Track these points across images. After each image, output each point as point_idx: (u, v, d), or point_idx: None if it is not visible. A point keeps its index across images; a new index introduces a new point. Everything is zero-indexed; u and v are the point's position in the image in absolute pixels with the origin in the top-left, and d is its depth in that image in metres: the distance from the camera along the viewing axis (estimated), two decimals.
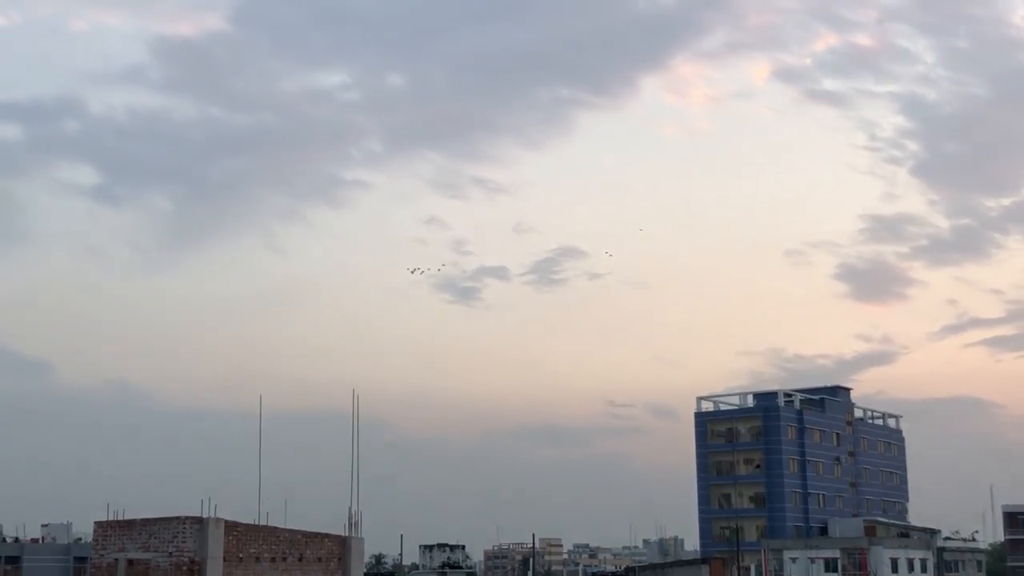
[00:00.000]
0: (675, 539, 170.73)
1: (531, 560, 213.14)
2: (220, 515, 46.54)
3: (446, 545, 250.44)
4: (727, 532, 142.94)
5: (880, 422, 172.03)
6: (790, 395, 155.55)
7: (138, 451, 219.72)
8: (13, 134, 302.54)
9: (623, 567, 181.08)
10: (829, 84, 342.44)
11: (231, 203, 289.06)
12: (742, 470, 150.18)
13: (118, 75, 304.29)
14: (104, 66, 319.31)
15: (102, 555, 48.89)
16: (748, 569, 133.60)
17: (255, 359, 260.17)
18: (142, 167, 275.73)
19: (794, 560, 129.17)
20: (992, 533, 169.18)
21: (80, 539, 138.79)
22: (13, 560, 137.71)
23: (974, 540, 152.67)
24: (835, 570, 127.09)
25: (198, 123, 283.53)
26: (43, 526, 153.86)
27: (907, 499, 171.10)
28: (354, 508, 50.90)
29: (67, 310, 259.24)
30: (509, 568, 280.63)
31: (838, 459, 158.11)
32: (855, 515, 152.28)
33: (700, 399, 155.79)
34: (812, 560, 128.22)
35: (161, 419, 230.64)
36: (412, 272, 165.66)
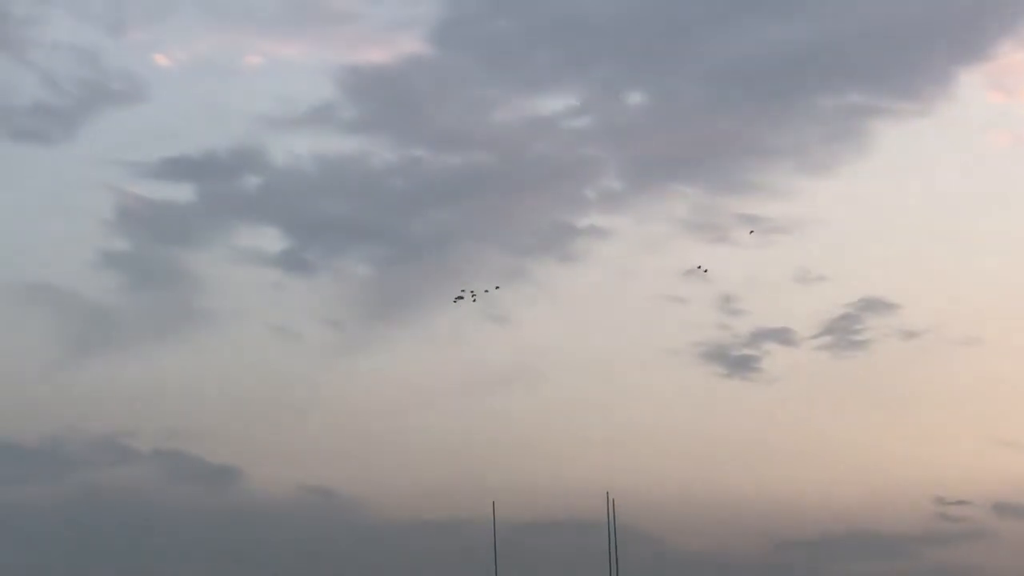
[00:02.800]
0: None
1: None
2: None
3: None
4: None
5: None
6: None
7: (346, 572, 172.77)
8: (186, 195, 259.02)
9: None
10: None
11: (441, 263, 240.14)
12: None
13: (302, 117, 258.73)
14: (286, 107, 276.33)
15: None
16: None
17: (483, 456, 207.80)
18: (335, 225, 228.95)
19: None
20: None
21: None
22: None
23: None
24: None
25: (398, 168, 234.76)
26: None
27: None
28: None
29: (255, 404, 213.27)
30: None
31: None
32: None
33: None
34: None
35: (372, 533, 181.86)
36: (456, 300, 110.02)
